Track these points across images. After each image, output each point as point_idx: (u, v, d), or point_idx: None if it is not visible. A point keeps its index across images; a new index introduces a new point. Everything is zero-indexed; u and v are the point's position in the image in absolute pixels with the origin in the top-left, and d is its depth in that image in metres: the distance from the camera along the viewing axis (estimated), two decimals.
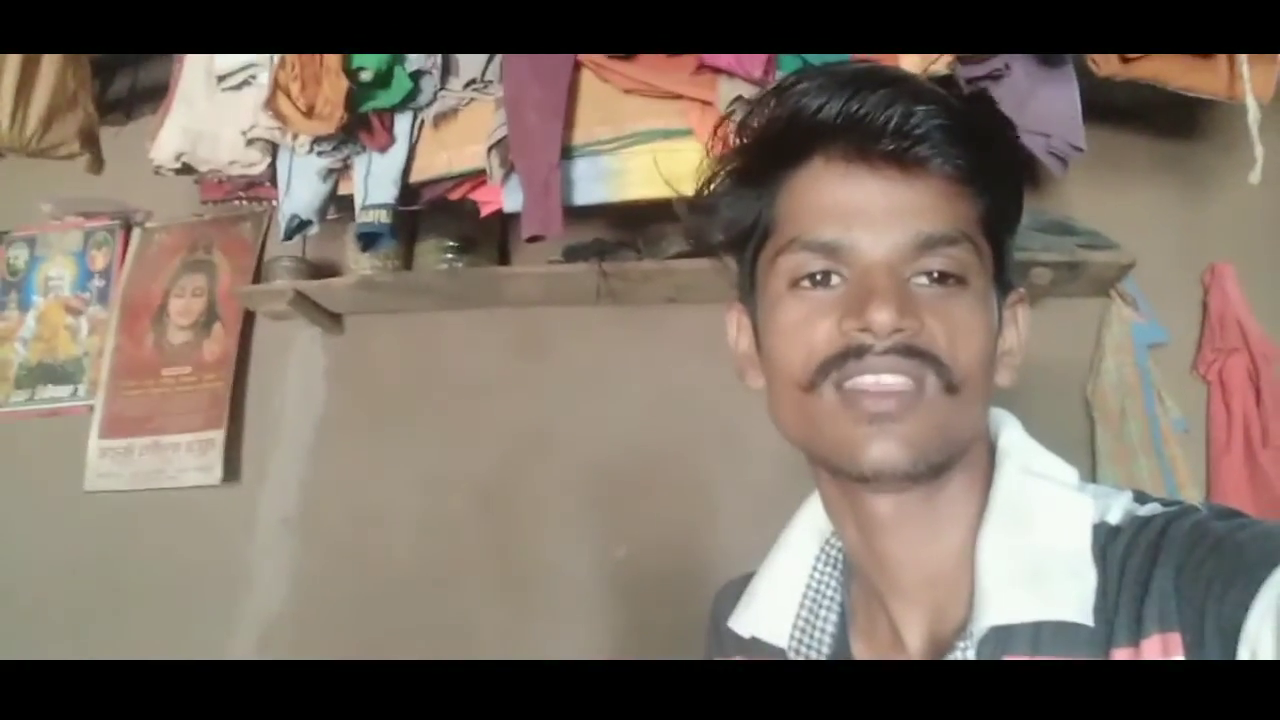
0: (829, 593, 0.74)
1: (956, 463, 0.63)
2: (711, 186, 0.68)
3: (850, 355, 0.59)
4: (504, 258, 2.07)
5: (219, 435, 2.08)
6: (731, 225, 0.68)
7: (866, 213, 0.61)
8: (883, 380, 0.59)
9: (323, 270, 2.10)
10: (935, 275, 0.61)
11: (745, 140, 0.66)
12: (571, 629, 1.89)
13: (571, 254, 1.92)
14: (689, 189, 0.70)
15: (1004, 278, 0.66)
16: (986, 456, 0.68)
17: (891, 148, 0.59)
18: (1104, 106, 1.64)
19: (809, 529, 0.77)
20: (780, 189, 0.65)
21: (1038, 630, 0.59)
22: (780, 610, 0.74)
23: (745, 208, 0.67)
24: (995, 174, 0.63)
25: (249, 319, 2.18)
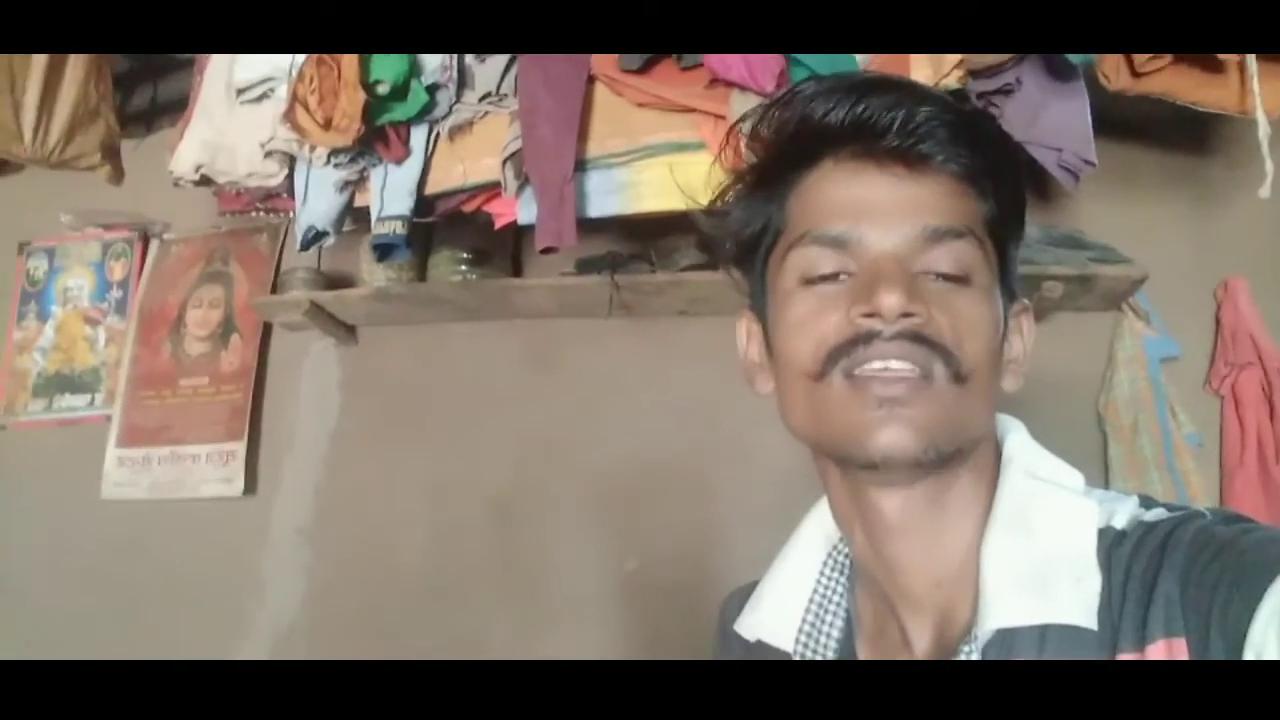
0: (835, 598, 0.75)
1: (964, 459, 0.64)
2: (726, 196, 0.70)
3: (860, 341, 0.60)
4: (517, 270, 2.09)
5: (240, 447, 2.09)
6: (743, 229, 0.69)
7: (874, 207, 0.62)
8: (891, 366, 0.60)
9: (338, 282, 2.12)
10: (942, 273, 0.62)
11: (756, 150, 0.68)
12: (582, 640, 1.89)
13: (584, 266, 1.93)
14: (702, 200, 0.72)
15: (1009, 284, 0.67)
16: (993, 460, 0.68)
17: (897, 144, 0.61)
18: (1115, 121, 1.65)
19: (816, 534, 0.77)
20: (790, 192, 0.67)
21: (1043, 634, 0.59)
22: (786, 614, 0.74)
23: (757, 212, 0.68)
24: (997, 177, 0.65)
25: (266, 330, 2.19)
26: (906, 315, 0.59)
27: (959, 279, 0.62)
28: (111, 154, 1.82)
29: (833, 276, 0.63)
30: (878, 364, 0.60)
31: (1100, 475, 1.78)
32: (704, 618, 0.90)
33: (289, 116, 1.57)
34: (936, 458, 0.61)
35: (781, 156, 0.66)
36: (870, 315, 0.60)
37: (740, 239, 0.70)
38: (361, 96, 1.56)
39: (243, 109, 1.71)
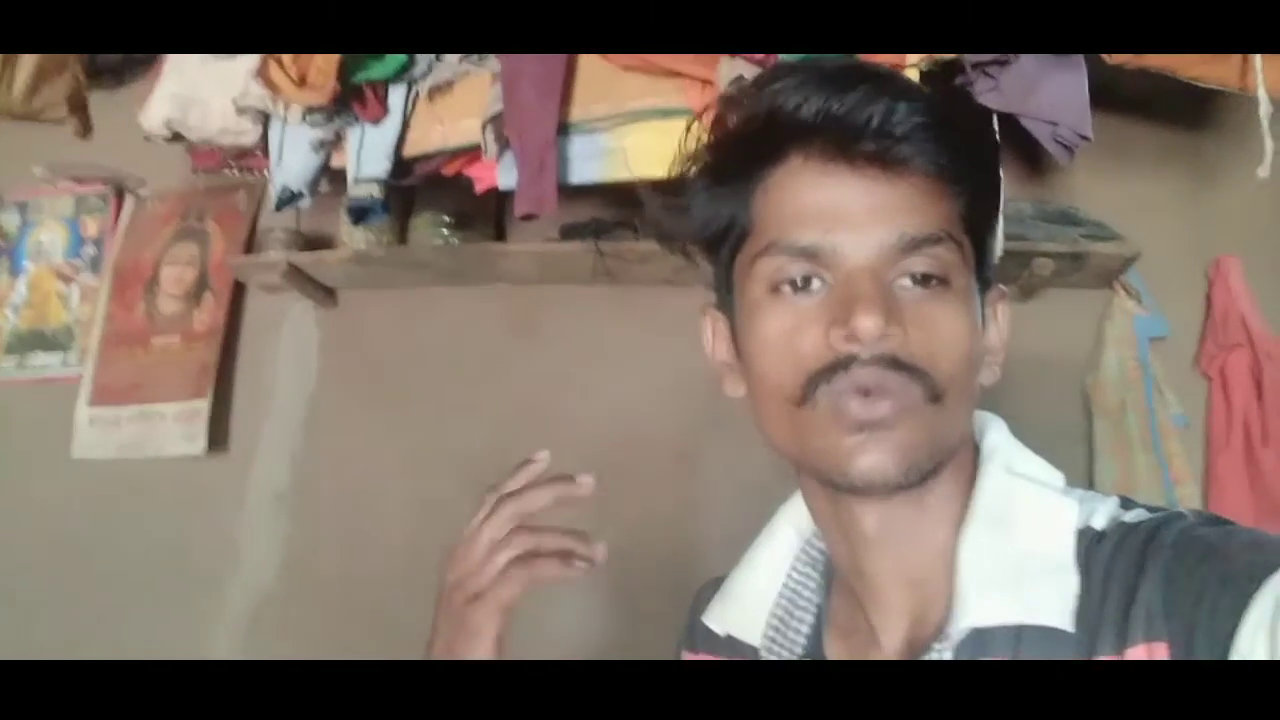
0: (806, 594, 0.74)
1: (943, 468, 0.63)
2: (684, 182, 0.67)
3: (838, 367, 0.59)
4: (500, 234, 2.04)
5: (204, 405, 2.04)
6: (706, 225, 0.66)
7: (848, 214, 0.59)
8: (869, 388, 0.58)
9: (317, 243, 2.07)
10: (919, 277, 0.60)
11: (720, 137, 0.64)
12: (562, 611, 1.88)
13: (568, 232, 1.90)
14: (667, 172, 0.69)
15: (985, 275, 0.65)
16: (971, 459, 0.67)
17: (873, 147, 0.58)
18: (1112, 95, 1.60)
19: (790, 528, 0.76)
20: (756, 188, 0.63)
21: (1019, 635, 0.58)
22: (754, 608, 0.74)
23: (720, 207, 0.65)
24: (975, 171, 0.63)
25: (240, 289, 2.15)
26: (884, 337, 0.58)
27: (936, 282, 0.60)
28: (79, 106, 1.77)
29: (804, 285, 0.61)
30: (857, 385, 0.59)
31: (1085, 455, 1.76)
32: (686, 590, 0.89)
33: (262, 72, 1.53)
34: (918, 478, 0.60)
35: (747, 149, 0.63)
36: (848, 339, 0.58)
37: (703, 236, 0.67)
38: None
39: (215, 63, 1.65)
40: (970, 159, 0.62)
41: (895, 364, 0.58)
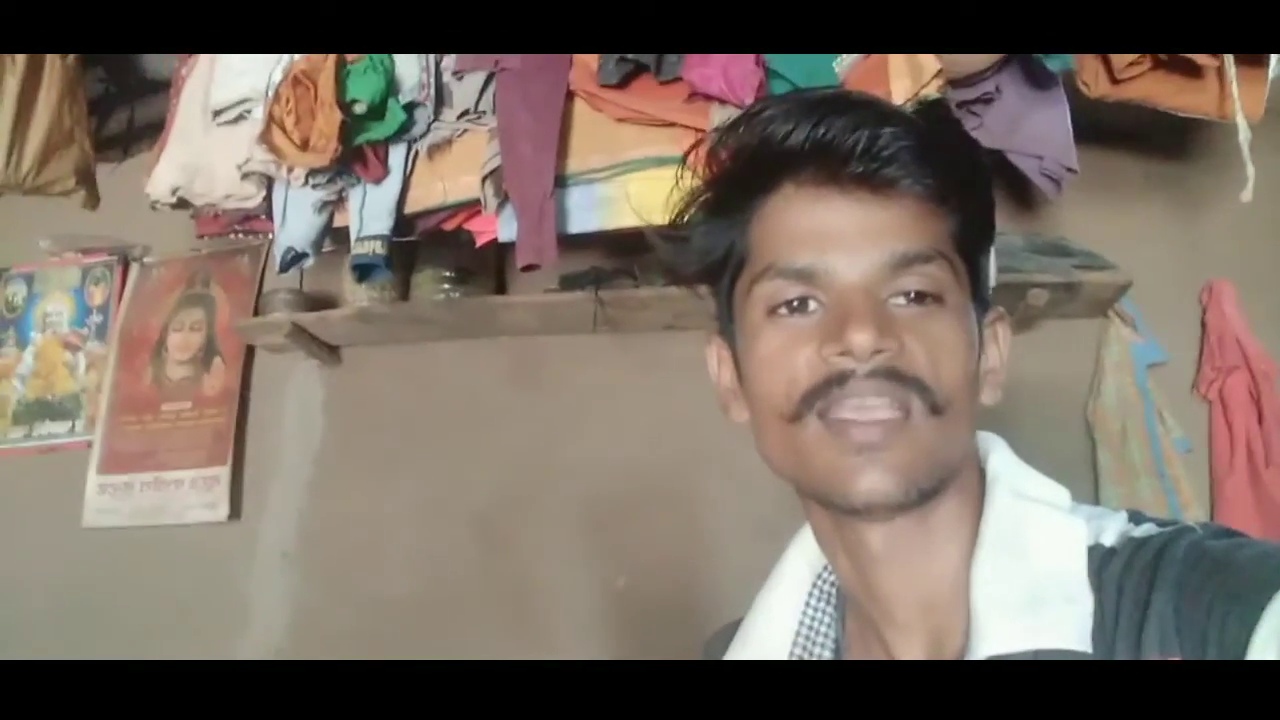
0: (823, 629, 0.73)
1: (946, 487, 0.62)
2: (684, 218, 0.68)
3: (834, 383, 0.59)
4: (501, 287, 2.07)
5: (224, 472, 2.06)
6: (705, 255, 0.67)
7: (840, 236, 0.61)
8: (867, 403, 0.58)
9: (320, 303, 2.11)
10: (912, 295, 0.60)
11: (714, 170, 0.66)
12: (572, 658, 1.87)
13: (568, 282, 1.92)
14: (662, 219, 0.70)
15: (981, 296, 0.65)
16: (977, 480, 0.67)
17: (860, 170, 0.59)
18: (1095, 127, 1.64)
19: (800, 564, 0.75)
20: (752, 217, 0.65)
21: (1036, 658, 0.58)
22: (773, 650, 0.73)
23: (718, 237, 0.66)
24: (965, 192, 0.63)
25: (249, 353, 2.17)
26: (879, 351, 0.58)
27: (930, 300, 0.61)
28: (87, 178, 1.80)
29: (800, 307, 0.61)
30: (854, 401, 0.58)
31: (1090, 482, 1.77)
32: (695, 635, 0.88)
33: (265, 137, 1.56)
34: (918, 497, 0.59)
35: (741, 181, 0.64)
36: (843, 354, 0.58)
37: (703, 266, 0.68)
38: (338, 116, 1.55)
39: (219, 131, 1.70)
40: (958, 180, 0.63)
41: (893, 375, 0.58)
